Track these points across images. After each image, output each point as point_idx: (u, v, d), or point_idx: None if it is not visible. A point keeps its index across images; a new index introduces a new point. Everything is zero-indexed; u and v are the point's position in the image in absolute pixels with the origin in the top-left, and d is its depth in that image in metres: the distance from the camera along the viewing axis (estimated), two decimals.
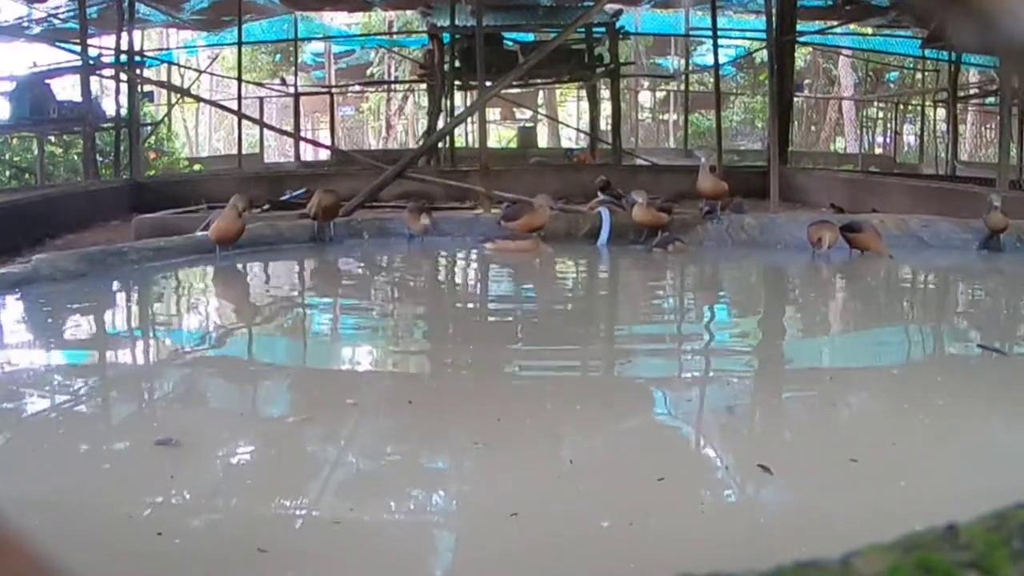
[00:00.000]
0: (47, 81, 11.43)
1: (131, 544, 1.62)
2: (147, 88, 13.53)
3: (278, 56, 24.34)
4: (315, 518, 1.74)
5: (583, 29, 12.42)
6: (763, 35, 11.34)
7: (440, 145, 11.57)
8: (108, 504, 1.79)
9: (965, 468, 2.00)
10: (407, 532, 1.73)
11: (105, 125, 11.32)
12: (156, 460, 1.98)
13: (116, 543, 1.62)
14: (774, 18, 9.32)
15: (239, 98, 12.86)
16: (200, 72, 19.26)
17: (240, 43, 13.54)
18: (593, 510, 1.76)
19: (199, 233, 5.56)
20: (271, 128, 14.74)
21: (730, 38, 17.06)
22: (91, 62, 11.10)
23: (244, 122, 13.00)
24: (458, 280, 5.58)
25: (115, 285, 4.54)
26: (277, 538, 1.63)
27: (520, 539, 1.66)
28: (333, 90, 18.77)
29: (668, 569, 0.78)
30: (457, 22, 12.19)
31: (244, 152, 13.40)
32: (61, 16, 13.18)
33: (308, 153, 19.59)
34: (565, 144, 20.97)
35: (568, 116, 26.13)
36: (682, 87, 19.38)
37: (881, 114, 21.84)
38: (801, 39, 13.82)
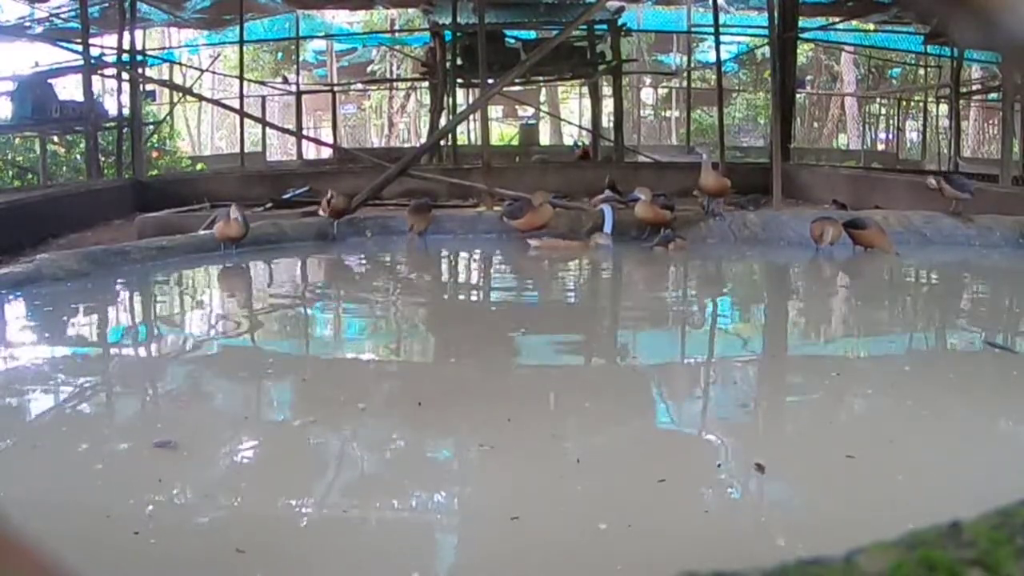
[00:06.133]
0: (49, 81, 11.42)
1: (105, 543, 1.62)
2: (149, 87, 13.53)
3: (280, 54, 24.33)
4: (305, 520, 1.73)
5: (585, 26, 12.39)
6: (765, 31, 11.31)
7: (442, 143, 11.56)
8: (91, 503, 1.79)
9: (970, 465, 1.99)
10: (401, 533, 1.72)
11: (107, 124, 11.32)
12: (150, 462, 1.98)
13: (90, 541, 1.62)
14: (776, 14, 9.30)
15: (241, 97, 12.83)
16: (202, 71, 19.26)
17: (242, 42, 13.52)
18: (600, 510, 1.76)
19: (202, 231, 5.57)
20: (273, 126, 14.73)
21: (732, 35, 17.02)
22: (93, 61, 11.10)
23: (246, 121, 12.98)
24: (462, 277, 5.58)
25: (118, 284, 4.54)
26: (260, 540, 1.63)
27: (536, 542, 1.65)
28: (335, 88, 18.74)
29: (671, 568, 0.78)
30: (459, 20, 12.16)
31: (246, 151, 13.38)
32: (63, 16, 13.16)
33: (310, 151, 19.61)
34: (567, 141, 20.95)
35: (570, 113, 26.10)
36: (684, 84, 19.34)
37: (883, 110, 21.77)
38: (803, 35, 13.78)
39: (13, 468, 2.01)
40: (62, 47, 12.41)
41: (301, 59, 18.63)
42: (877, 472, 1.92)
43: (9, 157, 13.05)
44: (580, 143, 16.83)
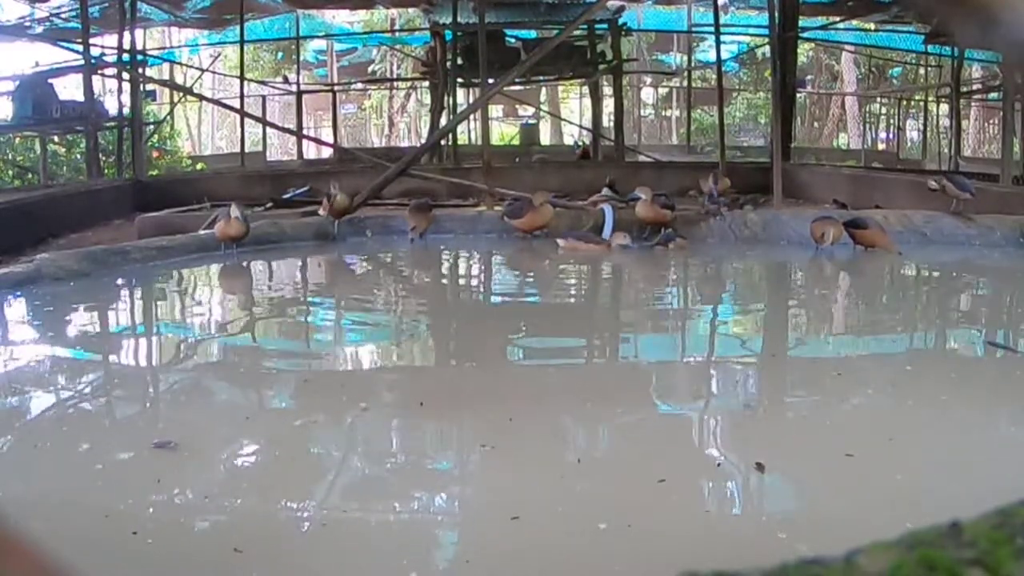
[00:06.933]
0: (50, 81, 11.40)
1: (102, 542, 1.62)
2: (149, 87, 13.51)
3: (280, 54, 24.32)
4: (305, 520, 1.73)
5: (585, 26, 12.38)
6: (766, 31, 11.31)
7: (443, 142, 11.55)
8: (91, 503, 1.79)
9: (970, 465, 1.99)
10: (401, 534, 1.72)
11: (108, 124, 11.32)
12: (150, 462, 1.98)
13: (89, 541, 1.62)
14: (777, 14, 9.29)
15: (241, 96, 12.82)
16: (202, 71, 19.25)
17: (242, 41, 13.52)
18: (600, 510, 1.76)
19: (203, 231, 5.57)
20: (274, 126, 14.71)
21: (733, 34, 17.02)
22: (93, 61, 11.10)
23: (247, 120, 12.99)
24: (463, 277, 5.58)
25: (118, 284, 4.54)
26: (259, 540, 1.62)
27: (536, 542, 1.65)
28: (335, 88, 18.73)
29: (671, 568, 0.78)
30: (459, 19, 12.14)
31: (247, 150, 13.38)
32: (63, 15, 13.15)
33: (311, 151, 19.60)
34: (568, 141, 20.96)
35: (571, 113, 26.10)
36: (684, 83, 19.34)
37: (884, 110, 21.75)
38: (804, 35, 13.78)
39: (14, 468, 2.01)
40: (62, 47, 12.41)
41: (301, 59, 18.62)
42: (877, 471, 1.92)
43: (9, 157, 13.04)
44: (580, 143, 16.83)
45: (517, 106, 23.07)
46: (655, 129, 26.55)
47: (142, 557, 1.57)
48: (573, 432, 2.28)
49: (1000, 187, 7.56)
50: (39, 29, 13.40)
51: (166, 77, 17.67)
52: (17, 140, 13.09)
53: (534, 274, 5.27)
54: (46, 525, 1.62)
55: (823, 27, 14.97)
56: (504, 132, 24.46)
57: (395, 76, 24.75)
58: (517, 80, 11.98)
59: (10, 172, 12.78)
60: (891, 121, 20.38)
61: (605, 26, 13.23)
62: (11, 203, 7.08)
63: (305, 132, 17.52)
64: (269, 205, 8.10)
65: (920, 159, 16.62)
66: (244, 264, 5.13)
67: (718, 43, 10.40)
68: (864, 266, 5.11)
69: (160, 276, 4.76)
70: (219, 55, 20.01)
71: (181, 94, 15.33)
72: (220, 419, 2.44)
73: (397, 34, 20.83)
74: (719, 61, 10.54)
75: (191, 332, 3.75)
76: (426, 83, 16.29)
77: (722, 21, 12.00)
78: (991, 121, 19.87)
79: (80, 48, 11.02)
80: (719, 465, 2.02)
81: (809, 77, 24.44)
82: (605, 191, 7.46)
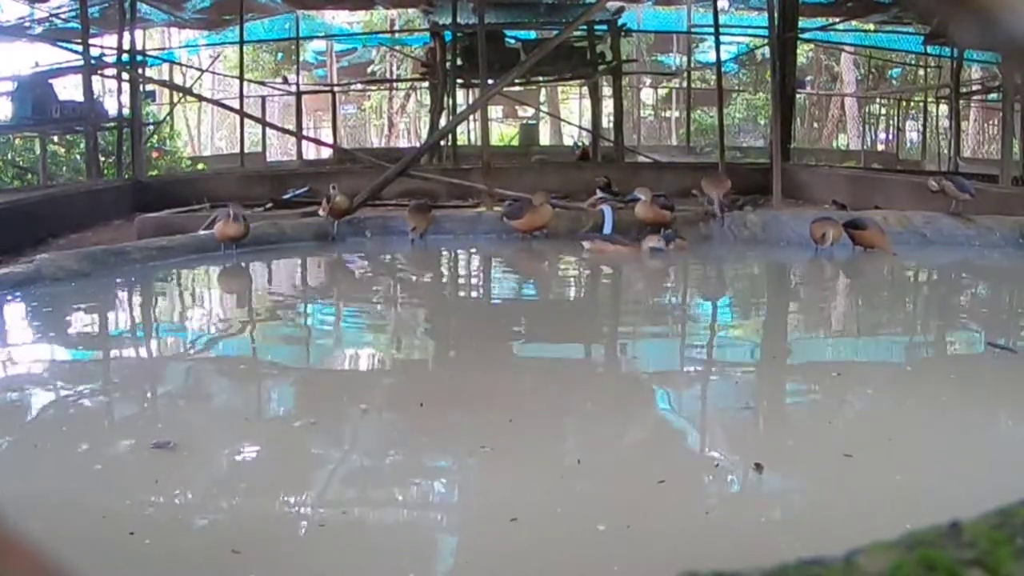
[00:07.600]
0: (49, 81, 11.40)
1: (101, 542, 1.62)
2: (149, 87, 13.51)
3: (280, 55, 24.31)
4: (303, 521, 1.73)
5: (585, 27, 12.38)
6: (765, 32, 11.30)
7: (442, 143, 11.55)
8: (89, 503, 1.79)
9: (970, 465, 1.99)
10: (400, 535, 1.72)
11: (107, 125, 11.31)
12: (149, 462, 1.98)
13: (85, 540, 1.61)
14: (776, 15, 9.30)
15: (241, 97, 12.82)
16: (202, 71, 19.26)
17: (242, 42, 13.52)
18: (599, 511, 1.76)
19: (202, 232, 5.57)
20: (273, 127, 14.71)
21: (732, 35, 17.01)
22: (93, 62, 11.09)
23: (246, 121, 12.99)
24: (462, 278, 5.58)
25: (118, 285, 4.54)
26: (257, 541, 1.62)
27: (535, 543, 1.65)
28: (335, 88, 18.73)
29: (671, 568, 0.78)
30: (459, 20, 12.15)
31: (246, 151, 13.37)
32: (63, 16, 13.14)
33: (310, 151, 19.59)
34: (567, 141, 20.97)
35: (570, 114, 26.09)
36: (684, 84, 19.34)
37: (883, 111, 21.74)
38: (803, 36, 13.77)
39: (14, 468, 2.01)
40: (62, 47, 12.40)
41: (301, 59, 18.61)
42: (877, 471, 1.92)
43: (9, 157, 13.04)
44: (580, 143, 16.83)
45: (517, 107, 23.06)
46: (655, 130, 26.55)
47: (140, 557, 1.57)
48: (573, 433, 2.28)
49: (999, 188, 7.56)
50: (39, 29, 13.40)
51: (166, 77, 17.67)
52: (17, 140, 13.10)
53: (534, 275, 5.27)
54: (45, 525, 1.62)
55: (823, 28, 14.97)
56: (504, 132, 24.46)
57: (395, 77, 24.76)
58: (517, 81, 11.97)
59: (10, 172, 12.78)
60: (891, 122, 20.38)
61: (605, 27, 13.23)
62: (11, 203, 7.08)
63: (305, 133, 17.52)
64: (269, 205, 8.10)
65: (920, 160, 16.62)
66: (243, 265, 5.13)
67: (717, 44, 10.40)
68: (864, 267, 5.10)
69: (160, 276, 4.76)
70: (219, 55, 20.01)
71: (181, 94, 15.33)
72: (219, 420, 2.44)
73: (397, 35, 20.82)
74: (719, 62, 10.54)
75: (190, 333, 3.75)
76: (426, 84, 16.29)
77: (722, 22, 12.00)
78: (991, 122, 19.87)
79: (80, 48, 11.02)
80: (718, 465, 2.02)
81: (809, 78, 24.43)
82: (599, 192, 7.47)
